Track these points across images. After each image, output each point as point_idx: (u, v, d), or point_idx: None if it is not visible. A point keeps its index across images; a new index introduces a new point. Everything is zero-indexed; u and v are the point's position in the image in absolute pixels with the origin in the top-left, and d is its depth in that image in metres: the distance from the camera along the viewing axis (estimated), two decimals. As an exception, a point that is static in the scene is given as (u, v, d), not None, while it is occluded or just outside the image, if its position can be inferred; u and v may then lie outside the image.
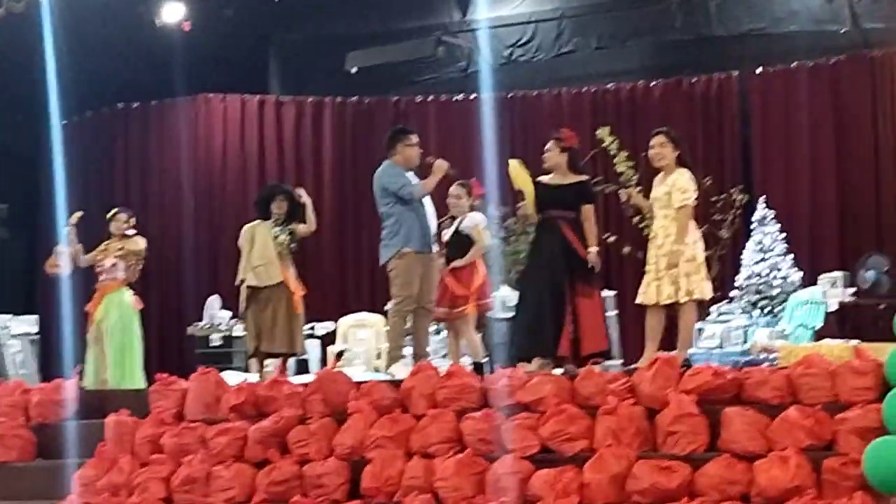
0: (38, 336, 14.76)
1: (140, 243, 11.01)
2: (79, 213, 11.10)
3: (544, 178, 9.03)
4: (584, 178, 9.13)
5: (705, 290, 8.72)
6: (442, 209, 9.91)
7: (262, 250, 10.40)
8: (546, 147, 9.12)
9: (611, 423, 7.34)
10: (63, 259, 11.08)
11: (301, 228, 10.57)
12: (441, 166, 9.32)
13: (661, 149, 8.90)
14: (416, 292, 9.24)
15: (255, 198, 11.14)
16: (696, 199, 8.84)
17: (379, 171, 9.45)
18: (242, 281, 10.49)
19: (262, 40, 17.35)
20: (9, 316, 14.52)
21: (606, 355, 9.02)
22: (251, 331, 10.44)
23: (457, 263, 9.66)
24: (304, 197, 10.62)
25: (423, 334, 9.53)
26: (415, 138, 9.55)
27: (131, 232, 11.03)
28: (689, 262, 8.67)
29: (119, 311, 10.80)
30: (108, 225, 11.09)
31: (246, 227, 10.69)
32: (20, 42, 13.32)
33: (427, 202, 9.46)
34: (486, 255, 10.27)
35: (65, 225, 11.07)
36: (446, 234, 9.80)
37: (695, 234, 8.77)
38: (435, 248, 9.51)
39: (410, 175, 9.49)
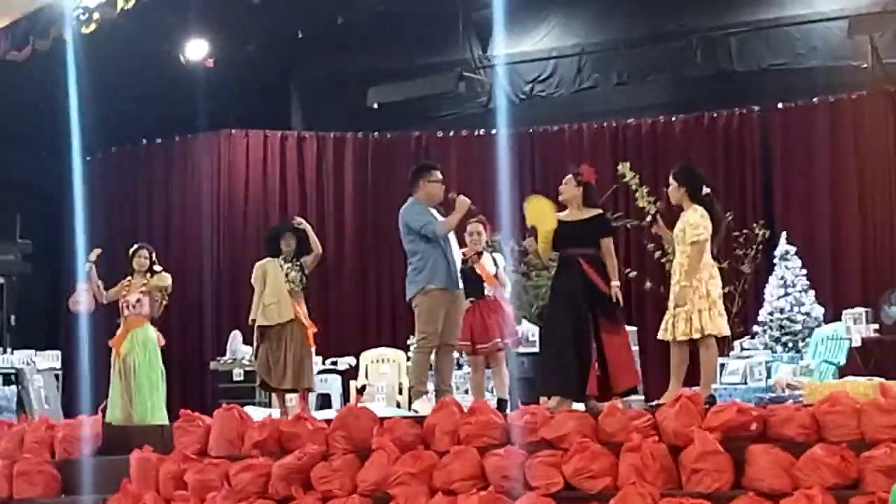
0: (62, 371, 14.81)
1: (167, 279, 11.06)
2: (97, 251, 11.15)
3: (560, 215, 9.02)
4: (599, 211, 9.14)
5: (720, 327, 8.66)
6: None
7: (273, 288, 10.41)
8: (564, 181, 9.12)
9: (634, 460, 7.31)
10: (84, 296, 11.12)
11: (308, 260, 10.59)
12: (463, 203, 9.31)
13: (671, 190, 8.95)
14: (441, 329, 9.23)
15: (265, 236, 11.16)
16: (713, 234, 8.80)
17: (403, 209, 9.47)
18: (254, 320, 10.50)
19: (284, 76, 17.49)
20: (32, 351, 14.58)
21: (631, 391, 8.98)
22: (261, 368, 10.44)
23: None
24: (303, 224, 10.64)
25: (446, 370, 9.52)
26: (438, 174, 9.54)
27: (158, 268, 11.08)
28: (701, 298, 8.63)
29: (145, 346, 10.83)
30: (130, 261, 11.12)
31: (257, 265, 10.70)
32: (45, 78, 13.43)
33: (452, 239, 9.47)
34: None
35: (85, 262, 11.11)
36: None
37: (710, 271, 8.74)
38: (460, 285, 9.48)
39: (434, 211, 9.51)
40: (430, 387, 9.87)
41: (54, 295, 16.98)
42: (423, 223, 9.27)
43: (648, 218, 9.58)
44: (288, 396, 10.78)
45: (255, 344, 10.55)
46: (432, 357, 9.48)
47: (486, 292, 9.98)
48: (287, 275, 10.44)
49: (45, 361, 14.56)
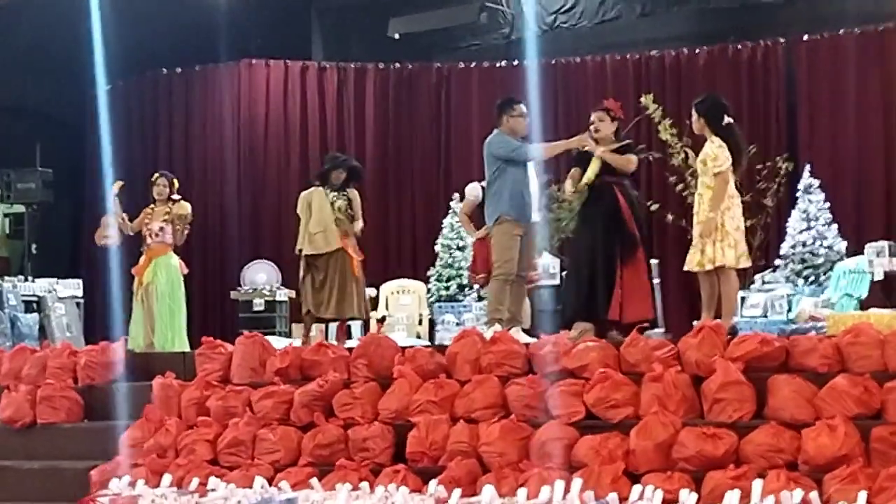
0: (84, 299, 14.88)
1: (186, 208, 11.04)
2: (119, 183, 11.12)
3: (595, 148, 9.05)
4: (628, 141, 9.30)
5: (728, 258, 8.65)
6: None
7: (319, 216, 10.40)
8: (597, 117, 9.12)
9: (656, 390, 7.32)
10: (111, 230, 11.11)
11: (356, 202, 10.56)
12: (581, 142, 9.19)
13: (693, 120, 8.96)
14: (516, 258, 9.22)
15: (319, 167, 11.15)
16: (734, 165, 8.76)
17: (488, 140, 9.44)
18: (301, 250, 10.49)
19: (305, 6, 17.41)
20: (54, 280, 14.64)
21: (653, 325, 8.98)
22: (306, 296, 10.45)
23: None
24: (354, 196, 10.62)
25: (518, 301, 9.46)
26: (521, 108, 9.42)
27: (177, 196, 11.07)
28: (715, 230, 8.65)
29: (167, 274, 10.84)
30: (151, 189, 11.10)
31: (303, 194, 10.67)
32: (64, 9, 13.39)
33: (531, 173, 9.42)
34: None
35: (110, 195, 11.09)
36: None
37: (726, 202, 8.71)
38: (535, 216, 9.44)
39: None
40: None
41: (75, 223, 17.06)
42: (515, 147, 9.23)
43: (681, 157, 9.56)
44: (315, 327, 10.81)
45: (301, 273, 10.54)
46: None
47: None
48: (333, 203, 10.43)
49: (67, 289, 14.64)
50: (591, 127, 9.12)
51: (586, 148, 9.08)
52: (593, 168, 8.93)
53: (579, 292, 8.93)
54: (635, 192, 9.32)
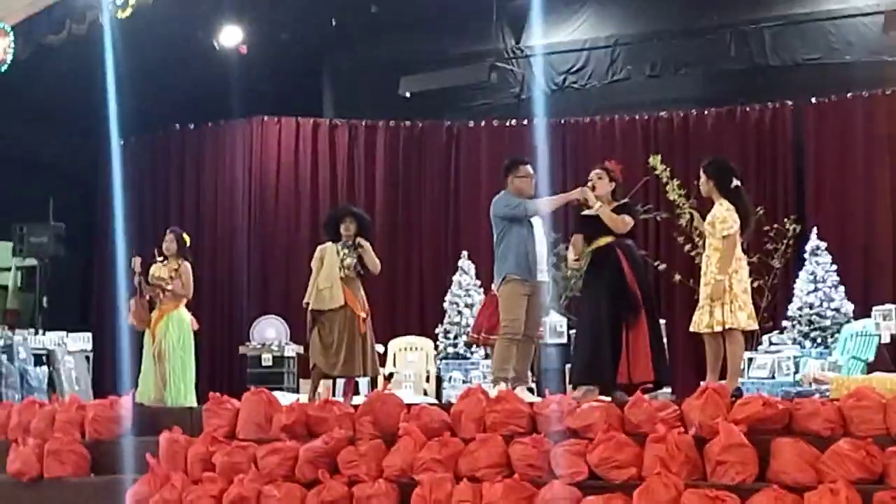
0: (93, 353, 14.94)
1: (188, 270, 11.04)
2: (138, 259, 11.12)
3: (590, 211, 9.12)
4: (625, 200, 9.31)
5: (740, 320, 8.70)
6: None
7: (327, 273, 10.45)
8: (595, 175, 9.19)
9: (660, 451, 7.32)
10: (137, 310, 11.07)
11: (368, 253, 10.59)
12: (582, 194, 9.23)
13: (701, 183, 9.03)
14: (522, 318, 9.27)
15: (324, 220, 11.21)
16: (742, 228, 8.82)
17: (494, 200, 9.52)
18: (308, 304, 10.55)
19: (316, 64, 17.54)
20: (64, 333, 14.70)
21: (657, 386, 9.00)
22: (314, 352, 10.49)
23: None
24: (363, 244, 10.62)
25: (523, 360, 9.48)
26: (526, 169, 9.49)
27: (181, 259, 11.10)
28: (725, 291, 8.69)
29: (179, 329, 10.89)
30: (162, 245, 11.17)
31: (319, 247, 10.70)
32: (81, 64, 13.55)
33: (538, 231, 9.48)
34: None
35: (132, 275, 11.05)
36: None
37: (734, 265, 8.77)
38: (542, 276, 9.46)
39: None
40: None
41: (86, 277, 17.18)
42: (515, 204, 9.31)
43: (686, 218, 9.62)
44: (322, 383, 10.85)
45: (308, 327, 10.59)
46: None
47: None
48: (342, 261, 10.47)
49: (77, 343, 14.70)
50: (589, 184, 9.17)
51: (586, 201, 9.13)
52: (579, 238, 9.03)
53: (585, 357, 8.97)
54: (640, 252, 9.38)
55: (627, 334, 8.81)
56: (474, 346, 13.81)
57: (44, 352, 14.21)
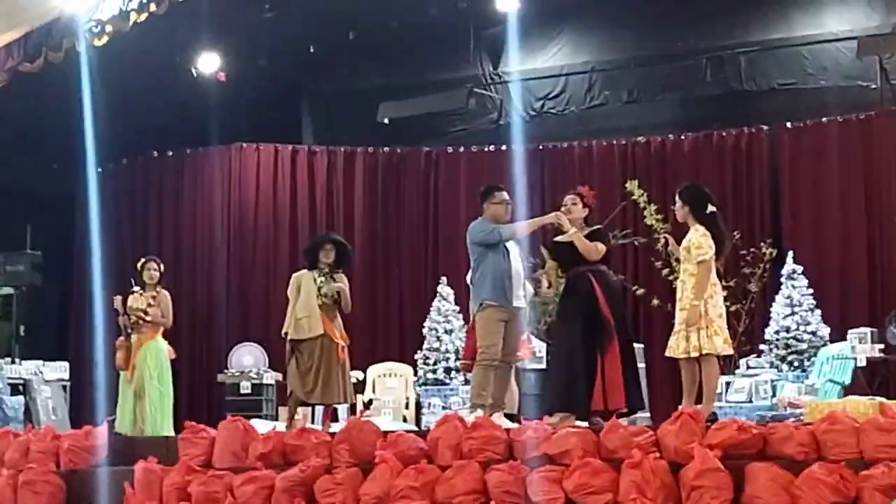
0: (70, 382, 14.87)
1: (141, 302, 11.02)
2: (118, 298, 11.08)
3: (564, 237, 9.13)
4: (598, 226, 9.33)
5: (716, 345, 8.73)
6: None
7: (305, 302, 10.42)
8: (570, 200, 9.20)
9: (635, 476, 7.33)
10: (127, 353, 11.02)
11: (343, 289, 10.58)
12: (556, 219, 9.22)
13: (676, 208, 9.06)
14: (500, 344, 9.28)
15: (304, 247, 11.20)
16: (717, 253, 8.85)
17: (470, 226, 9.55)
18: (286, 333, 10.53)
19: (295, 91, 17.57)
20: (41, 362, 14.63)
21: (630, 411, 8.99)
22: (291, 380, 10.46)
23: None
24: (340, 285, 10.62)
25: (500, 386, 9.48)
26: (501, 195, 9.53)
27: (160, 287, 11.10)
28: (700, 317, 8.72)
29: (157, 358, 10.86)
30: (140, 273, 11.13)
31: (294, 276, 10.67)
32: (58, 91, 13.53)
33: (515, 256, 9.49)
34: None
35: (118, 315, 11.02)
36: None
37: (709, 290, 8.80)
38: (518, 302, 9.46)
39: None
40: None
41: (63, 306, 17.09)
42: (489, 230, 9.34)
43: (661, 243, 9.63)
44: (300, 411, 10.82)
45: (287, 356, 10.57)
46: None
47: None
48: (319, 289, 10.45)
49: (54, 372, 14.61)
50: (563, 209, 9.18)
51: (560, 226, 9.14)
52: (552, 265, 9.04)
53: (560, 384, 8.95)
54: (619, 276, 9.40)
55: (602, 361, 8.82)
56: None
57: (20, 381, 14.12)
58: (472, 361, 10.08)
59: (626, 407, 8.83)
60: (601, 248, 9.06)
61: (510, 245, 9.47)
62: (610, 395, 8.75)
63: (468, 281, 9.72)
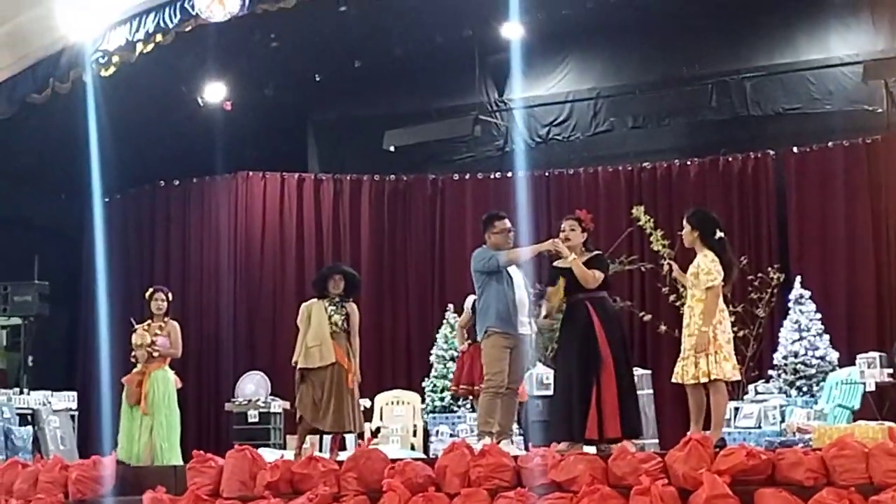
0: (78, 412, 14.87)
1: (176, 328, 11.06)
2: (137, 332, 11.12)
3: (563, 263, 9.09)
4: (597, 252, 9.27)
5: (725, 371, 8.70)
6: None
7: (316, 331, 10.44)
8: (568, 226, 9.16)
9: (644, 503, 7.31)
10: (137, 389, 11.03)
11: (354, 317, 10.63)
12: (553, 245, 9.21)
13: (684, 233, 9.04)
14: (506, 371, 9.27)
15: (314, 277, 11.23)
16: (724, 278, 8.83)
17: (473, 255, 9.56)
18: (296, 362, 10.53)
19: (301, 119, 17.63)
20: (49, 392, 14.64)
21: (629, 438, 8.94)
22: (302, 408, 10.45)
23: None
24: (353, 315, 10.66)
25: (507, 413, 9.48)
26: (502, 224, 9.52)
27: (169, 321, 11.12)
28: (709, 343, 8.69)
29: (164, 388, 10.88)
30: (147, 304, 11.15)
31: (304, 305, 10.71)
32: (65, 121, 13.57)
33: (518, 284, 9.48)
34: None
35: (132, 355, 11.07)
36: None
37: (718, 316, 8.78)
38: (523, 329, 9.45)
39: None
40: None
41: (72, 336, 17.10)
42: (488, 257, 9.35)
43: (665, 267, 9.61)
44: (308, 439, 10.82)
45: (296, 385, 10.58)
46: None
47: None
48: (330, 317, 10.47)
49: (62, 402, 14.61)
50: (562, 235, 9.12)
51: (558, 252, 9.12)
52: (558, 293, 8.99)
53: (560, 414, 8.92)
54: (625, 303, 9.36)
55: (598, 390, 8.75)
56: (461, 398, 13.80)
57: (28, 411, 14.12)
58: (464, 388, 10.09)
59: (622, 434, 8.76)
60: (598, 275, 8.99)
61: (514, 272, 9.45)
62: (606, 424, 8.69)
63: (468, 307, 9.75)
